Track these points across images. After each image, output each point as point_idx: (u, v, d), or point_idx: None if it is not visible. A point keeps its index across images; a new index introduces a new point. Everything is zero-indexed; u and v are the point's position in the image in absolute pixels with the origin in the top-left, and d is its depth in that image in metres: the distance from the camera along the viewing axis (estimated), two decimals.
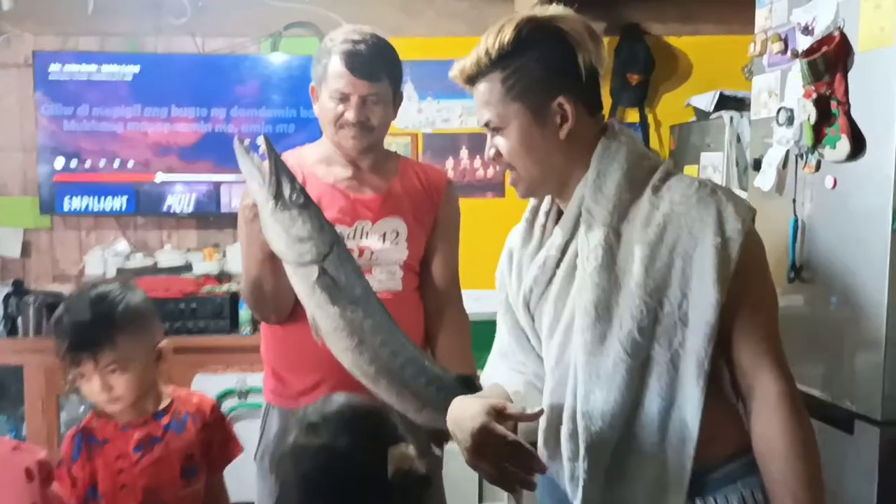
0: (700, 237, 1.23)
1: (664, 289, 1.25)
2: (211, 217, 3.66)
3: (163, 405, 1.68)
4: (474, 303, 2.16)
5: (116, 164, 3.51)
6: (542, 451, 1.38)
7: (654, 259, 1.25)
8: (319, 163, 1.92)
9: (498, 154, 1.35)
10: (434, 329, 1.98)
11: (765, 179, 2.54)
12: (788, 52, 2.41)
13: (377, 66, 1.83)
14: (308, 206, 1.59)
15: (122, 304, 1.61)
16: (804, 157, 2.36)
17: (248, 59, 3.60)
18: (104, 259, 3.50)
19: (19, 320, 3.25)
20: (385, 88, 1.85)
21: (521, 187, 1.38)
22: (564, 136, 1.31)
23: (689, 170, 3.43)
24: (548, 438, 1.37)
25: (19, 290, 3.31)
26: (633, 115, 3.78)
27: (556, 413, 1.34)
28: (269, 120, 3.54)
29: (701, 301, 1.23)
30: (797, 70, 2.31)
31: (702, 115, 3.40)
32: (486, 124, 1.35)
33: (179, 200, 3.56)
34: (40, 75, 3.43)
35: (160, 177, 3.53)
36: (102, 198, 3.51)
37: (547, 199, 1.43)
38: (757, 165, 2.62)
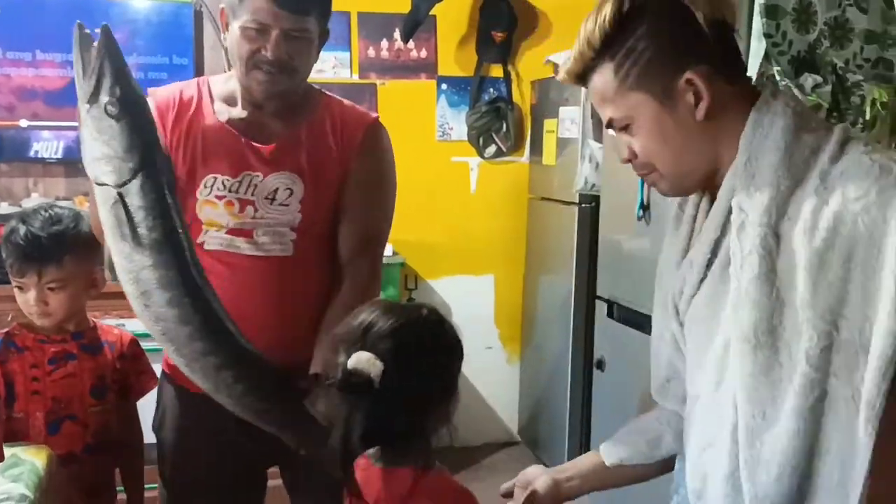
0: (882, 243, 0.98)
1: (839, 308, 1.00)
2: (80, 164, 3.57)
3: (83, 328, 1.77)
4: None
5: None
6: (691, 490, 1.20)
7: (823, 269, 1.01)
8: (220, 97, 1.68)
9: (634, 155, 1.15)
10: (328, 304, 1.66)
11: None
12: None
13: None
14: (122, 118, 1.36)
15: (74, 228, 1.71)
16: None
17: (118, 5, 3.53)
18: None
19: None
20: (313, 25, 1.58)
21: (665, 186, 1.17)
22: (702, 117, 1.08)
23: (549, 123, 3.70)
24: (700, 477, 1.17)
25: None
26: (497, 71, 4.00)
27: (709, 448, 1.14)
28: (140, 66, 3.49)
29: (881, 327, 0.98)
30: None
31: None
32: (610, 124, 1.16)
33: (47, 147, 3.48)
34: None
35: (25, 122, 3.44)
36: None
37: None
38: None
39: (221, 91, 1.68)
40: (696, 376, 1.18)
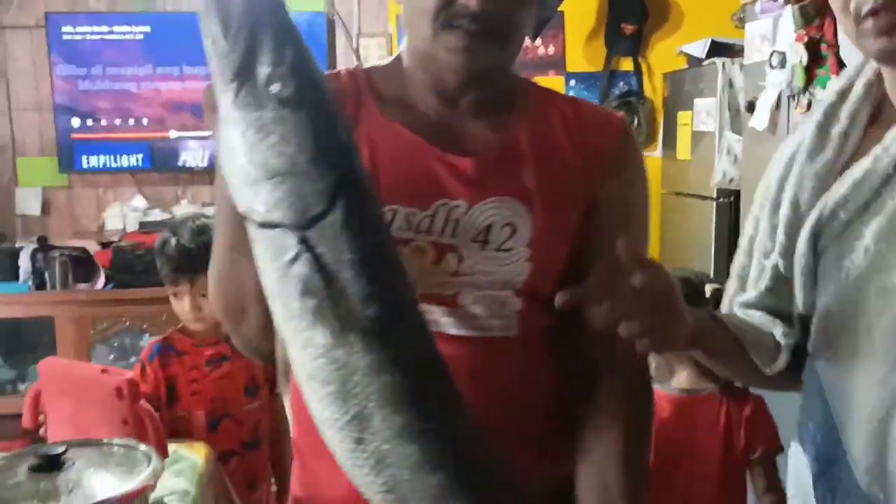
0: None
1: None
2: None
3: None
4: None
5: (131, 122, 3.62)
6: (864, 467, 0.92)
7: None
8: (390, 91, 1.05)
9: None
10: (581, 424, 1.05)
11: (759, 120, 2.71)
12: None
13: None
14: (301, 105, 0.78)
15: None
16: (796, 97, 2.52)
17: None
18: (123, 214, 3.63)
19: (46, 275, 3.37)
20: None
21: None
22: None
23: (683, 116, 3.59)
24: (878, 449, 0.90)
25: (44, 246, 3.42)
26: (627, 64, 3.92)
27: (880, 414, 0.89)
28: None
29: None
30: (789, 15, 2.46)
31: (694, 62, 3.55)
32: None
33: (194, 156, 3.68)
34: (54, 36, 3.52)
35: (174, 133, 3.65)
36: (119, 155, 3.63)
37: (854, 96, 0.98)
38: (751, 108, 2.79)
39: (385, 81, 1.06)
40: (846, 320, 0.92)
